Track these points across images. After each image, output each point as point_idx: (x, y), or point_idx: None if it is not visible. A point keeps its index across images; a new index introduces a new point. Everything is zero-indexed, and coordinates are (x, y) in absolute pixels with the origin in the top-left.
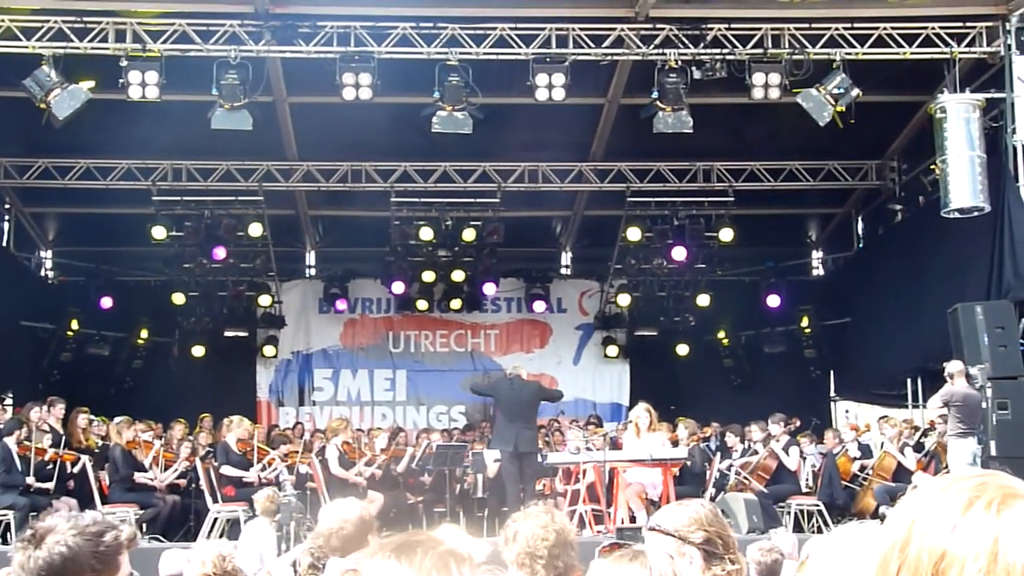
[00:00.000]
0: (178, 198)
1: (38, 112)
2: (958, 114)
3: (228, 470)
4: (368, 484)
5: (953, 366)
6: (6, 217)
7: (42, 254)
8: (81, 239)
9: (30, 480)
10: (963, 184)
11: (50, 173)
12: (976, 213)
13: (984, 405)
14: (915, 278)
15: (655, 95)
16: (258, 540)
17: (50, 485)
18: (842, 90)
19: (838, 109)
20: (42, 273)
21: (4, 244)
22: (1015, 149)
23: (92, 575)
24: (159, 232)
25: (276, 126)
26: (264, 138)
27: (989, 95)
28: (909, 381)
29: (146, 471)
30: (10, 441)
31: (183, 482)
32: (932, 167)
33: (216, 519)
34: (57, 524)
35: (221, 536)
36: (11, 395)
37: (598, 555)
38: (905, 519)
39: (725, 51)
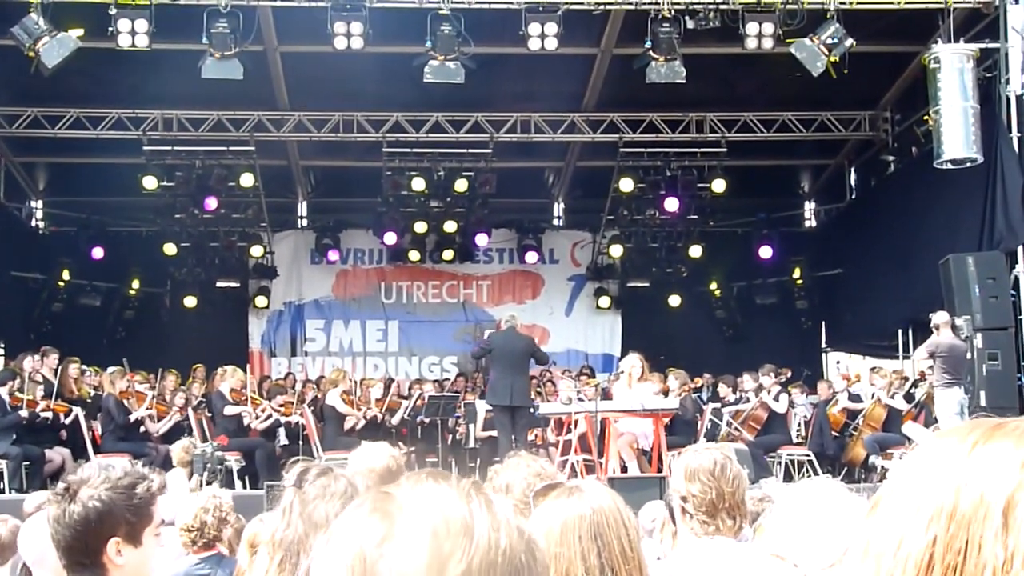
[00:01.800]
0: (169, 148)
1: (27, 60)
2: (952, 64)
3: (231, 409)
4: (359, 434)
5: (939, 317)
6: None
7: (32, 204)
8: (72, 189)
9: (23, 413)
10: (956, 135)
11: (39, 122)
12: (969, 164)
13: (970, 356)
14: (907, 229)
15: (648, 45)
16: (173, 490)
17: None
18: (836, 40)
19: (832, 59)
20: (32, 223)
21: None
22: (1008, 99)
23: (127, 527)
24: (150, 182)
25: (267, 75)
26: (255, 88)
27: (983, 45)
28: (900, 332)
29: (139, 421)
30: (3, 391)
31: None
32: (925, 118)
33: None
34: (90, 477)
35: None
36: (2, 345)
37: (533, 501)
38: (944, 489)
39: (719, 0)
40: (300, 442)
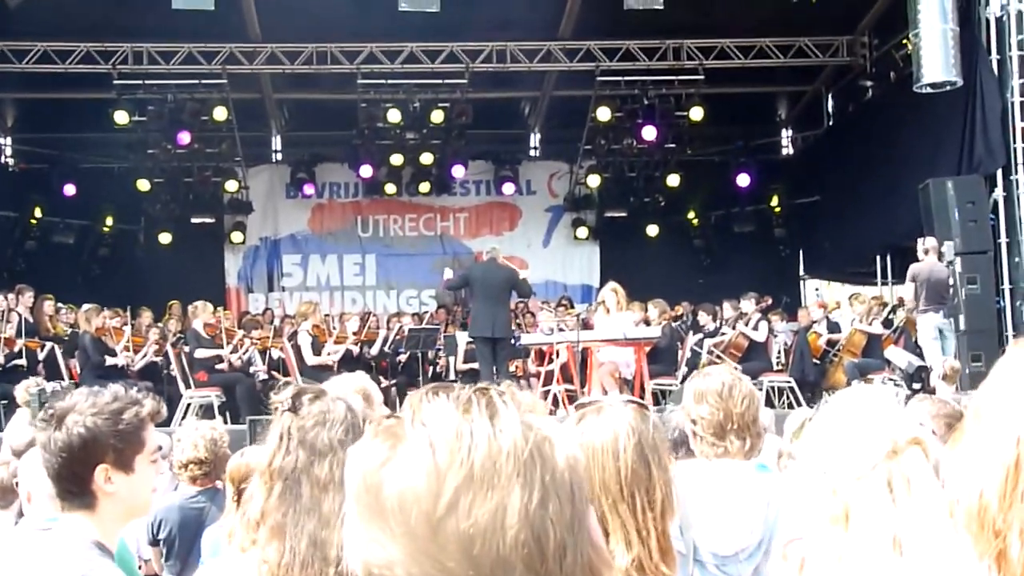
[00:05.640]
0: (140, 82)
1: None
2: None
3: (202, 353)
4: (340, 367)
5: (928, 242)
6: None
7: (2, 141)
8: (41, 125)
9: None
10: (935, 58)
11: (6, 56)
12: (948, 88)
13: (952, 281)
14: (886, 155)
15: None
16: (17, 429)
17: (21, 362)
18: None
19: None
20: (2, 160)
21: None
22: (988, 21)
23: (115, 454)
24: (121, 117)
25: (238, 7)
26: (226, 19)
27: None
28: (879, 258)
29: (116, 357)
30: None
31: (159, 361)
32: (904, 42)
33: (189, 404)
34: (76, 403)
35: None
36: None
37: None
38: (1006, 442)
39: None
40: (281, 375)
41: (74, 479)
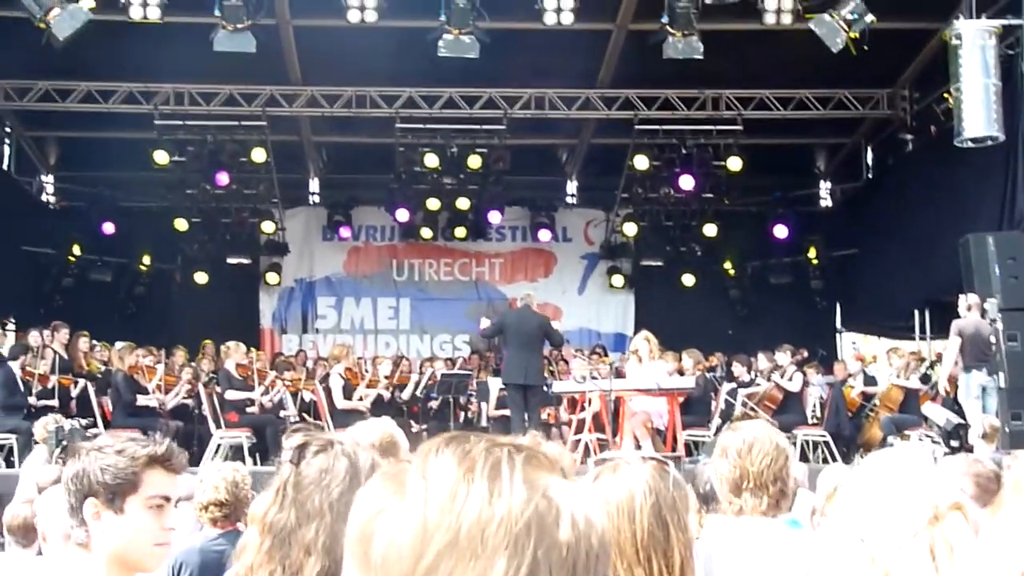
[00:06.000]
0: (180, 122)
1: (38, 32)
2: (974, 41)
3: (232, 394)
4: (372, 411)
5: (971, 298)
6: (6, 141)
7: (43, 178)
8: (82, 164)
9: (32, 400)
10: (977, 113)
11: (51, 96)
12: (990, 142)
13: (994, 339)
14: (925, 209)
15: (665, 20)
16: (34, 466)
17: (53, 402)
18: (856, 16)
19: (851, 35)
20: (43, 198)
21: (5, 168)
22: None
23: (105, 491)
24: (161, 157)
25: (279, 50)
26: (267, 62)
27: (1005, 22)
28: (917, 313)
29: (148, 395)
30: (14, 365)
31: (190, 403)
32: (944, 96)
33: (219, 445)
34: (96, 443)
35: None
36: (13, 320)
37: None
38: None
39: None
40: (312, 418)
41: (72, 510)
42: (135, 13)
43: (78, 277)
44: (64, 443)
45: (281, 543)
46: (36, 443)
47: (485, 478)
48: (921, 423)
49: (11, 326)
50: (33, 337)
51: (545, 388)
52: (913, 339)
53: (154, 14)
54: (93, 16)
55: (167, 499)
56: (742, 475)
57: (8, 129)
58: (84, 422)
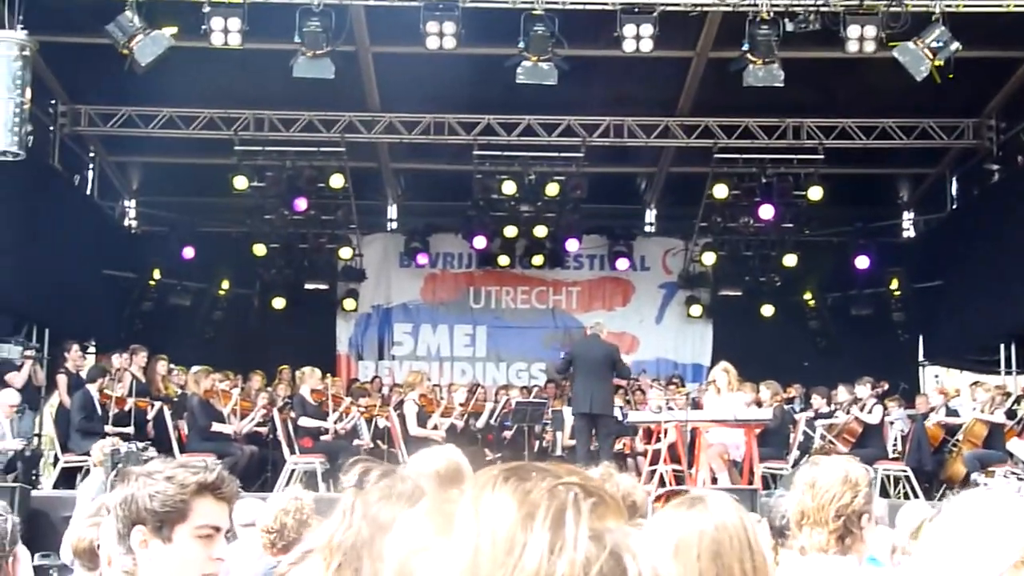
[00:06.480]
0: (260, 148)
1: (121, 59)
2: None
3: (306, 421)
4: (446, 439)
5: None
6: (90, 165)
7: (125, 203)
8: (163, 189)
9: (108, 428)
10: None
11: (133, 121)
12: None
13: None
14: (1011, 241)
15: (745, 47)
16: (91, 490)
17: (128, 430)
18: (941, 44)
19: (936, 64)
20: (125, 222)
21: (88, 192)
22: None
23: (152, 519)
24: (240, 182)
25: (358, 76)
26: (346, 88)
27: None
28: (1002, 347)
29: (224, 421)
30: (92, 388)
31: (264, 430)
32: None
33: (293, 471)
34: (151, 468)
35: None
36: (94, 343)
37: (651, 507)
38: None
39: (819, 2)
40: (386, 445)
41: (119, 536)
42: (216, 40)
43: (158, 301)
44: (119, 466)
45: (352, 559)
46: (93, 466)
47: (547, 528)
48: (1006, 459)
49: (92, 349)
50: (113, 360)
51: (620, 418)
52: (998, 373)
53: (235, 40)
54: (175, 43)
55: (216, 529)
56: (803, 511)
57: (92, 154)
58: (140, 445)
